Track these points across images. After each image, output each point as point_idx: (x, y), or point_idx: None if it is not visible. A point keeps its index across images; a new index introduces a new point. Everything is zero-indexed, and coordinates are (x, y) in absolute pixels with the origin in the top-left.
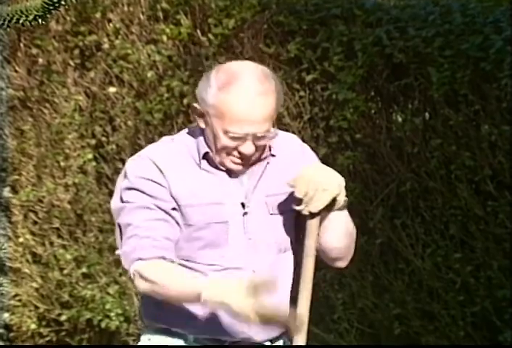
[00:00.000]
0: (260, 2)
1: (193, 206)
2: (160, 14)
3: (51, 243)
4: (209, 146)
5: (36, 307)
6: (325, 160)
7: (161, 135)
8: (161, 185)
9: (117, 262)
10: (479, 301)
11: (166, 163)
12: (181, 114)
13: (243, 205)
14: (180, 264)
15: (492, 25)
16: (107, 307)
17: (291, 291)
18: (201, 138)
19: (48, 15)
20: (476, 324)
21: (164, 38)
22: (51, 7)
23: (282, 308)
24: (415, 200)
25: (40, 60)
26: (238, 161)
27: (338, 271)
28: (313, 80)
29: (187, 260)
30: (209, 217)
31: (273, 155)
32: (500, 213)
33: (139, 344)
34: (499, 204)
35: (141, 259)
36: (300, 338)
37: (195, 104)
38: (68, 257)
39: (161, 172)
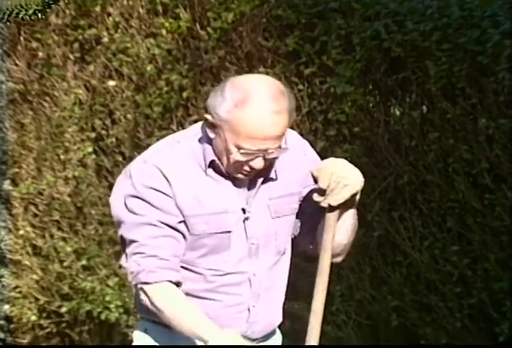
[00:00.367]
0: None
1: (196, 217)
2: (159, 8)
3: (51, 236)
4: (216, 154)
5: (36, 299)
6: (323, 153)
7: (160, 128)
8: (168, 196)
9: (117, 255)
10: (475, 294)
11: (172, 171)
12: (180, 107)
13: (243, 210)
14: (181, 268)
15: (489, 18)
16: (107, 298)
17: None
18: (208, 146)
19: (47, 9)
20: (473, 316)
21: (164, 31)
22: (51, 1)
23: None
24: (412, 193)
25: (40, 54)
26: (246, 173)
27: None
28: (312, 74)
29: (188, 264)
30: (213, 227)
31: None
32: (497, 206)
33: (135, 331)
34: (496, 197)
35: (147, 283)
36: (314, 332)
37: (207, 116)
38: (68, 249)
39: (168, 181)
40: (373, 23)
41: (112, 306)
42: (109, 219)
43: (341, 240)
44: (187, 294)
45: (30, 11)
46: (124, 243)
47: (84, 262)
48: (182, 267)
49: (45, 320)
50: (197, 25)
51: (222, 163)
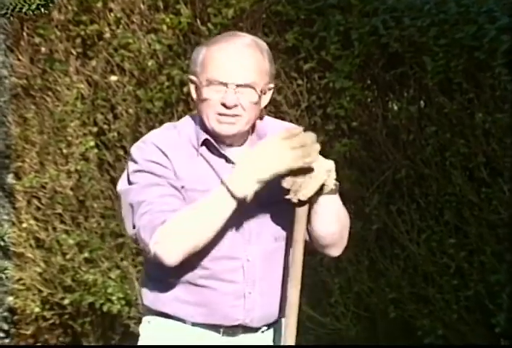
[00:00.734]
0: None
1: (194, 191)
2: (160, 4)
3: (54, 229)
4: (206, 129)
5: (40, 291)
6: (322, 148)
7: (161, 122)
8: (167, 168)
9: (119, 247)
10: (472, 286)
11: (169, 148)
12: (181, 102)
13: None
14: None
15: (485, 14)
16: (109, 291)
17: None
18: (200, 126)
19: (50, 4)
20: (469, 308)
21: (165, 27)
22: None
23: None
24: (410, 187)
25: (43, 49)
26: (226, 119)
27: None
28: (311, 69)
29: None
30: None
31: None
32: (493, 199)
33: (141, 325)
34: (492, 190)
35: (158, 225)
36: (291, 323)
37: (190, 76)
38: (71, 242)
39: (165, 155)
40: (371, 19)
41: (113, 298)
42: (111, 212)
43: (326, 229)
44: (185, 282)
45: (33, 6)
46: (133, 211)
47: (86, 254)
48: None
49: (48, 311)
50: (198, 20)
51: (206, 121)
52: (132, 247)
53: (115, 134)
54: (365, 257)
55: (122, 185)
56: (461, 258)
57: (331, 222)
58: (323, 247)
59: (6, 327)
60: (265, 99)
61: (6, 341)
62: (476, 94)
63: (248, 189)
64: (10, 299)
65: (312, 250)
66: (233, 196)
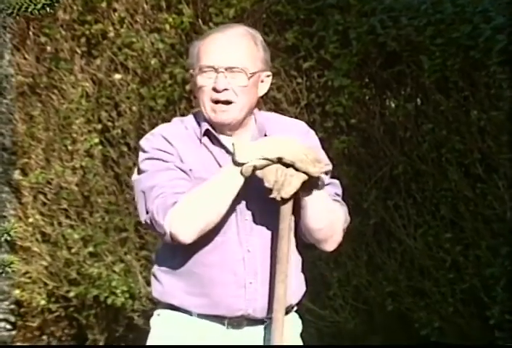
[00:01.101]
0: None
1: (198, 179)
2: (163, 4)
3: (60, 224)
4: (205, 119)
5: (45, 284)
6: (321, 144)
7: (164, 120)
8: (173, 155)
9: (123, 242)
10: (468, 279)
11: (175, 139)
12: (183, 100)
13: None
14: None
15: (481, 14)
16: (113, 284)
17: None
18: (202, 118)
19: (55, 4)
20: (465, 300)
21: (167, 26)
22: None
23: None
24: (407, 182)
25: (49, 48)
26: (220, 108)
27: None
28: (310, 68)
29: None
30: None
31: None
32: (488, 195)
33: (151, 318)
34: (487, 186)
35: (170, 207)
36: (279, 318)
37: (190, 71)
38: (76, 236)
39: (171, 145)
40: (369, 19)
41: (118, 291)
42: (115, 207)
43: (316, 224)
44: (190, 273)
45: (39, 6)
46: (145, 197)
47: (91, 248)
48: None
49: (54, 304)
50: (199, 20)
51: (204, 110)
52: (135, 242)
53: (119, 131)
54: (363, 251)
55: (134, 175)
56: (457, 252)
57: (319, 218)
58: (315, 242)
59: (13, 319)
60: (263, 88)
61: (13, 332)
62: (471, 92)
63: (249, 158)
64: (17, 292)
65: (308, 244)
66: (236, 164)
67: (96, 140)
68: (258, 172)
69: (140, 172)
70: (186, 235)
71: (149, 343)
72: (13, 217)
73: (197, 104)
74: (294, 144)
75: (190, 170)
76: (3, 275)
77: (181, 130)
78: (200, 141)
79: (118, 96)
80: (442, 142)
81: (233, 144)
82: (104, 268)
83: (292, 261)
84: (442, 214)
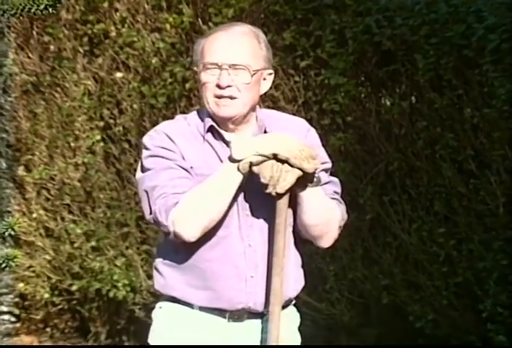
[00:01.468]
0: None
1: (199, 175)
2: (164, 4)
3: (63, 219)
4: (211, 117)
5: (49, 278)
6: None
7: (165, 117)
8: (175, 152)
9: (124, 236)
10: (461, 273)
11: (177, 136)
12: (184, 98)
13: None
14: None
15: (474, 14)
16: (115, 277)
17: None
18: (206, 115)
19: (58, 4)
20: (458, 294)
21: (168, 26)
22: None
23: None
24: (402, 178)
25: (52, 47)
26: (224, 102)
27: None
28: (307, 66)
29: None
30: None
31: (265, 132)
32: (481, 190)
33: (153, 311)
34: (480, 181)
35: (172, 207)
36: (275, 311)
37: (194, 68)
38: (78, 231)
39: (173, 142)
40: (364, 18)
41: (119, 284)
42: (116, 203)
43: (313, 220)
44: (192, 266)
45: (42, 7)
46: (148, 197)
47: (93, 243)
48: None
49: (57, 297)
50: (199, 20)
51: (207, 105)
52: (136, 236)
53: (121, 128)
54: (359, 245)
55: (137, 173)
56: (450, 246)
57: (315, 215)
58: (311, 238)
59: (17, 312)
60: (265, 86)
61: (18, 325)
62: (464, 90)
63: (245, 154)
64: (21, 285)
65: (306, 240)
66: (233, 161)
67: (98, 137)
68: (254, 168)
69: (143, 169)
70: (190, 234)
71: (150, 335)
72: (17, 213)
73: (201, 99)
74: (289, 141)
75: (191, 167)
76: (8, 268)
77: (184, 127)
78: (203, 137)
79: (120, 94)
80: (436, 139)
81: (230, 142)
82: (106, 262)
83: (290, 255)
84: (435, 209)
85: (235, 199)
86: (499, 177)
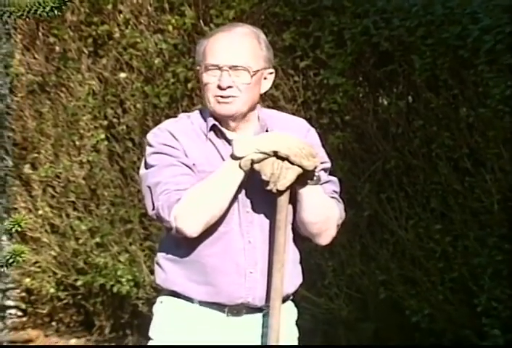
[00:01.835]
0: None
1: (202, 172)
2: (166, 6)
3: (68, 215)
4: (213, 116)
5: (54, 273)
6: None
7: (167, 116)
8: (178, 150)
9: (128, 233)
10: (456, 268)
11: (181, 134)
12: (186, 97)
13: None
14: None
15: (469, 16)
16: (119, 273)
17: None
18: (209, 114)
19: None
20: (453, 289)
21: (170, 27)
22: None
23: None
24: (399, 176)
25: (57, 48)
26: (224, 100)
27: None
28: (306, 67)
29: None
30: None
31: (267, 131)
32: (476, 188)
33: (154, 306)
34: (475, 179)
35: (174, 203)
36: (276, 306)
37: (197, 67)
38: (83, 227)
39: (177, 140)
40: (362, 20)
41: (123, 280)
42: (120, 200)
43: (312, 218)
44: (193, 262)
45: (47, 8)
46: (151, 193)
47: (98, 239)
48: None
49: (62, 292)
50: (201, 21)
51: (209, 104)
52: (140, 233)
53: (124, 127)
54: (357, 241)
55: (141, 170)
56: (446, 243)
57: (314, 212)
58: (310, 235)
59: (23, 306)
60: (266, 85)
61: (24, 319)
62: (460, 90)
63: (246, 152)
64: (27, 280)
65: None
66: (235, 158)
67: (103, 136)
68: (256, 166)
69: (146, 166)
70: (192, 230)
71: (151, 330)
72: (23, 209)
73: (203, 99)
74: (289, 139)
75: (193, 164)
76: (15, 264)
77: (187, 125)
78: (206, 136)
79: (123, 93)
80: (432, 138)
81: (231, 140)
82: (110, 258)
83: (290, 252)
84: (432, 206)
85: (236, 196)
86: (494, 175)
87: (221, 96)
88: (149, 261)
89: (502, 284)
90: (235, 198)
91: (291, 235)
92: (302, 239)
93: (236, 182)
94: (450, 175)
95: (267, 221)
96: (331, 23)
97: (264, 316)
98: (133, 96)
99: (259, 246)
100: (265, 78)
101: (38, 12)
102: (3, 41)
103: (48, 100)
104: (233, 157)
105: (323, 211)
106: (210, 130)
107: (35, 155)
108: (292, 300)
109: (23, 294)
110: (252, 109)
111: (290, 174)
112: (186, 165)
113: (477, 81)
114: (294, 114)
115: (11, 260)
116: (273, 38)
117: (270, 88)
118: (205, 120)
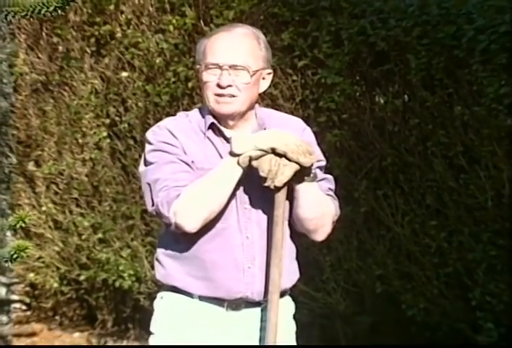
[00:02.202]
0: None
1: (201, 170)
2: (167, 6)
3: (71, 212)
4: (212, 115)
5: (58, 268)
6: (316, 140)
7: (168, 115)
8: (177, 147)
9: (129, 229)
10: (451, 263)
11: (180, 132)
12: (186, 96)
13: None
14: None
15: (464, 16)
16: (121, 268)
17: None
18: (207, 112)
19: (66, 7)
20: (448, 283)
21: (171, 27)
22: None
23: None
24: (395, 173)
25: (60, 48)
26: (224, 100)
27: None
28: (304, 66)
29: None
30: None
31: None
32: (471, 185)
33: (155, 301)
34: (470, 176)
35: (173, 199)
36: (274, 299)
37: (196, 66)
38: (86, 223)
39: (175, 137)
40: (359, 20)
41: (125, 275)
42: (122, 196)
43: (308, 214)
44: (193, 257)
45: (51, 9)
46: (150, 189)
47: (100, 235)
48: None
49: (65, 286)
50: (201, 21)
51: (208, 103)
52: (141, 228)
53: (126, 125)
54: (354, 237)
55: (141, 167)
56: (441, 238)
57: (310, 209)
58: (306, 231)
59: (28, 300)
60: (264, 85)
61: (28, 313)
62: (455, 89)
63: (244, 149)
64: (31, 275)
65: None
66: (233, 155)
67: (105, 134)
68: (254, 162)
69: (146, 163)
70: (191, 225)
71: (152, 325)
72: (27, 206)
73: (202, 97)
74: (287, 136)
75: (192, 161)
76: (19, 259)
77: (186, 123)
78: (204, 134)
79: (125, 92)
80: (427, 136)
81: (230, 138)
82: (112, 253)
83: (286, 247)
84: (427, 203)
85: (234, 192)
86: (488, 172)
87: (221, 95)
88: (150, 256)
89: (496, 279)
90: (233, 194)
91: (288, 231)
92: (298, 236)
93: (234, 178)
94: (445, 172)
95: (265, 217)
96: (328, 23)
97: (262, 310)
98: (134, 95)
99: (257, 241)
100: (263, 78)
101: (42, 12)
102: (7, 41)
103: (52, 99)
104: (232, 154)
105: (319, 207)
106: (209, 128)
107: (39, 152)
108: (290, 295)
109: (27, 289)
110: (251, 108)
111: (287, 170)
112: (185, 162)
113: (472, 80)
114: (292, 112)
115: (15, 255)
116: (272, 38)
117: (269, 87)
118: (204, 118)
